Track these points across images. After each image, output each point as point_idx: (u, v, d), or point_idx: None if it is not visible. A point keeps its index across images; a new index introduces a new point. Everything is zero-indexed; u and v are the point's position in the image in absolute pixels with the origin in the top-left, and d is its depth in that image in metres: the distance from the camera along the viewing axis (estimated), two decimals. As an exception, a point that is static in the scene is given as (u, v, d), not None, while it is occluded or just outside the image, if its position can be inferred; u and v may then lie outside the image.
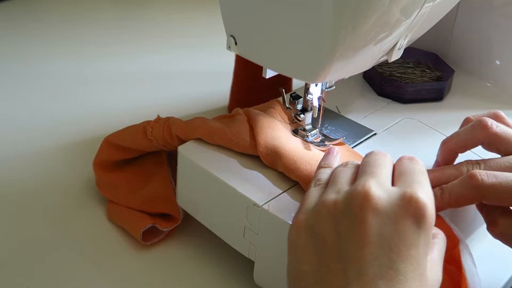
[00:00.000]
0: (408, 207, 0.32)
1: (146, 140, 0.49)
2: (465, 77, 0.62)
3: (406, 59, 0.62)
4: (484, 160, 0.40)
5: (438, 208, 0.38)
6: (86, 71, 0.81)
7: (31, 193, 0.56)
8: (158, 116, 0.51)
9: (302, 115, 0.48)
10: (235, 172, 0.45)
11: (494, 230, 0.38)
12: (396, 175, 0.35)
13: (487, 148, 0.42)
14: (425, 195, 0.33)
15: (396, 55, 0.44)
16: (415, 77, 0.59)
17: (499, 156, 0.41)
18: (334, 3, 0.34)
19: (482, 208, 0.40)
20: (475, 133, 0.41)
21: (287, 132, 0.48)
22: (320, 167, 0.40)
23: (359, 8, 0.35)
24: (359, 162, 0.37)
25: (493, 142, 0.41)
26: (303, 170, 0.43)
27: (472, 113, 0.44)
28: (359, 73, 0.60)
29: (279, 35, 0.40)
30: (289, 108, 0.48)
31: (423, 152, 0.45)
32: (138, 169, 0.54)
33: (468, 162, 0.40)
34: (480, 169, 0.39)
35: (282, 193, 0.43)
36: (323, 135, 0.49)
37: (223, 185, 0.44)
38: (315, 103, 0.47)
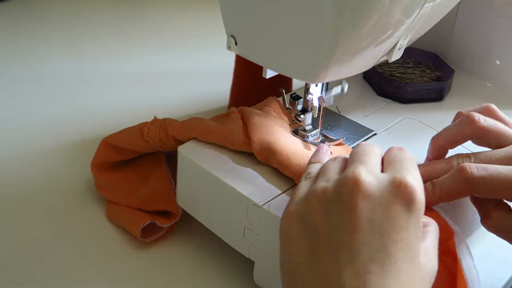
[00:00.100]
0: (398, 192, 0.32)
1: (143, 141, 0.50)
2: (465, 77, 0.62)
3: (406, 59, 0.62)
4: (474, 154, 0.40)
5: (430, 203, 0.38)
6: (86, 71, 0.81)
7: (31, 193, 0.56)
8: (155, 117, 0.51)
9: (302, 116, 0.47)
10: (235, 172, 0.45)
11: (488, 223, 0.38)
12: (385, 163, 0.36)
13: (477, 143, 0.42)
14: (414, 180, 0.33)
15: (396, 55, 0.44)
16: (415, 77, 0.59)
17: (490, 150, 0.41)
18: (334, 3, 0.34)
19: (476, 201, 0.40)
20: (463, 128, 0.42)
21: (281, 129, 0.48)
22: (310, 162, 0.41)
23: (359, 8, 0.35)
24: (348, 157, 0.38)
25: (482, 136, 0.41)
26: (297, 166, 0.43)
27: (472, 113, 0.44)
28: (359, 73, 0.60)
29: (279, 35, 0.40)
30: (289, 108, 0.48)
31: (423, 152, 0.45)
32: (137, 169, 0.54)
33: (458, 155, 0.41)
34: (470, 162, 0.40)
35: (282, 193, 0.43)
36: (323, 135, 0.49)
37: (223, 185, 0.44)
38: (315, 103, 0.47)
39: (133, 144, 0.51)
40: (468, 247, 0.39)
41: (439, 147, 0.44)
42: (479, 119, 0.41)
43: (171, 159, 0.53)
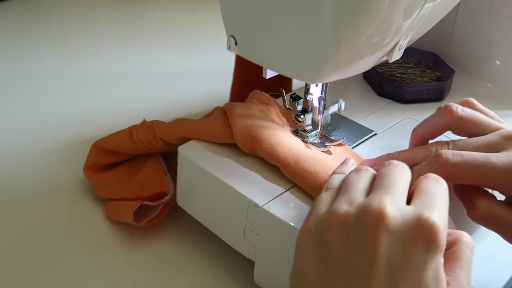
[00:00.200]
0: (421, 230, 0.31)
1: (132, 143, 0.51)
2: (465, 77, 0.62)
3: (406, 59, 0.62)
4: (453, 141, 0.41)
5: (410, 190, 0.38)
6: (86, 71, 0.81)
7: (31, 193, 0.56)
8: (144, 119, 0.53)
9: (302, 116, 0.47)
10: (235, 172, 0.45)
11: (474, 214, 0.38)
12: (416, 193, 0.35)
13: (456, 132, 0.42)
14: (441, 220, 0.32)
15: (396, 55, 0.44)
16: (415, 77, 0.59)
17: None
18: (334, 3, 0.34)
19: (461, 193, 0.40)
20: (441, 118, 0.42)
21: (264, 118, 0.48)
22: (334, 173, 0.40)
23: (359, 9, 0.35)
24: (373, 170, 0.37)
25: (460, 125, 0.42)
26: (281, 153, 0.43)
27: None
28: (359, 73, 0.60)
29: (279, 35, 0.40)
30: (289, 109, 0.48)
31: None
32: (128, 165, 0.55)
33: (437, 143, 0.41)
34: (448, 149, 0.40)
35: (282, 193, 0.43)
36: (323, 135, 0.49)
37: (223, 185, 0.44)
38: (316, 104, 0.47)
39: (123, 146, 0.52)
40: None
41: (419, 138, 0.44)
42: (456, 108, 0.42)
43: (171, 159, 0.53)
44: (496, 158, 0.37)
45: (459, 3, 0.51)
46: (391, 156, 0.43)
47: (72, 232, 0.52)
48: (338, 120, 0.52)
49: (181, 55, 0.88)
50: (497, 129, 0.41)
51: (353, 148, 0.49)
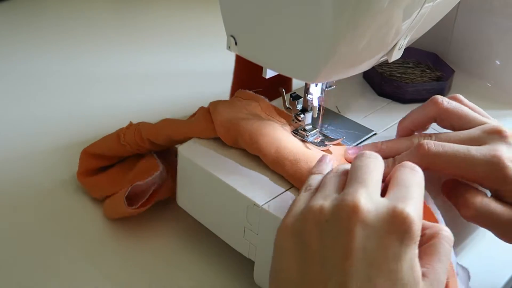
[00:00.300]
0: (395, 222, 0.31)
1: (120, 146, 0.52)
2: (465, 77, 0.62)
3: (406, 59, 0.62)
4: (436, 133, 0.41)
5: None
6: (86, 71, 0.81)
7: (31, 193, 0.56)
8: (130, 122, 0.54)
9: (302, 115, 0.47)
10: (235, 172, 0.45)
11: (467, 212, 0.38)
12: (392, 183, 0.35)
13: (441, 125, 0.43)
14: (414, 211, 0.32)
15: (396, 55, 0.44)
16: (415, 77, 0.59)
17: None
18: (334, 3, 0.34)
19: (449, 193, 0.40)
20: (427, 110, 0.43)
21: (246, 111, 0.48)
22: (311, 173, 0.40)
23: (359, 8, 0.35)
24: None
25: (445, 117, 0.42)
26: (262, 143, 0.44)
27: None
28: (359, 73, 0.60)
29: (279, 35, 0.40)
30: (289, 108, 0.48)
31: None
32: (123, 164, 0.55)
33: (420, 134, 0.42)
34: (430, 140, 0.41)
35: (282, 193, 0.43)
36: (323, 135, 0.49)
37: (223, 185, 0.44)
38: (315, 103, 0.47)
39: (111, 149, 0.53)
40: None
41: (405, 129, 0.45)
42: (442, 101, 0.42)
43: (166, 156, 0.54)
44: (477, 151, 0.38)
45: (459, 3, 0.51)
46: (375, 145, 0.44)
47: (72, 232, 0.52)
48: (338, 120, 0.52)
49: (181, 55, 0.88)
50: (481, 123, 0.41)
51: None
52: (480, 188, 0.40)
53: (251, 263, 0.44)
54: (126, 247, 0.50)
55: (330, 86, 0.47)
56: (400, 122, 0.46)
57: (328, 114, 0.53)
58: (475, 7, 0.61)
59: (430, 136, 0.42)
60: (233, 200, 0.43)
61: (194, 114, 0.51)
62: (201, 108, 0.51)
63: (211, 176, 0.44)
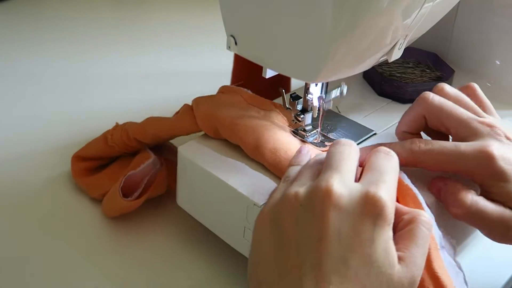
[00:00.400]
0: (368, 205, 0.32)
1: (108, 147, 0.53)
2: (465, 77, 0.62)
3: (406, 59, 0.62)
4: (431, 141, 0.41)
5: None
6: (86, 71, 0.81)
7: (31, 193, 0.56)
8: (117, 123, 0.55)
9: (302, 116, 0.47)
10: (235, 172, 0.45)
11: (458, 210, 0.38)
12: (366, 168, 0.36)
13: (432, 124, 0.42)
14: (387, 194, 0.33)
15: (396, 55, 0.44)
16: (415, 77, 0.59)
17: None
18: (334, 3, 0.34)
19: (439, 193, 0.40)
20: (416, 108, 0.43)
21: (227, 103, 0.49)
22: (290, 164, 0.41)
23: (359, 8, 0.35)
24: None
25: (435, 114, 0.42)
26: (241, 131, 0.44)
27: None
28: (359, 73, 0.60)
29: (279, 35, 0.40)
30: (289, 108, 0.48)
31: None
32: (119, 162, 0.56)
33: (413, 140, 0.41)
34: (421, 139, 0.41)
35: (282, 193, 0.43)
36: (323, 135, 0.49)
37: (223, 185, 0.44)
38: (315, 103, 0.47)
39: (100, 150, 0.54)
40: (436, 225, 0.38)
41: (401, 134, 0.45)
42: (430, 96, 0.42)
43: (163, 152, 0.55)
44: (466, 145, 0.38)
45: (459, 3, 0.51)
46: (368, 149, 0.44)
47: (72, 231, 0.52)
48: (338, 120, 0.52)
49: (181, 55, 0.88)
50: (472, 122, 0.40)
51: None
52: (471, 183, 0.40)
53: (251, 263, 0.44)
54: (126, 247, 0.50)
55: (341, 92, 0.48)
56: (396, 128, 0.45)
57: (328, 114, 0.53)
58: (475, 7, 0.61)
59: (424, 142, 0.41)
60: (233, 200, 0.43)
61: (178, 111, 0.52)
62: (185, 105, 0.51)
63: (211, 176, 0.44)
